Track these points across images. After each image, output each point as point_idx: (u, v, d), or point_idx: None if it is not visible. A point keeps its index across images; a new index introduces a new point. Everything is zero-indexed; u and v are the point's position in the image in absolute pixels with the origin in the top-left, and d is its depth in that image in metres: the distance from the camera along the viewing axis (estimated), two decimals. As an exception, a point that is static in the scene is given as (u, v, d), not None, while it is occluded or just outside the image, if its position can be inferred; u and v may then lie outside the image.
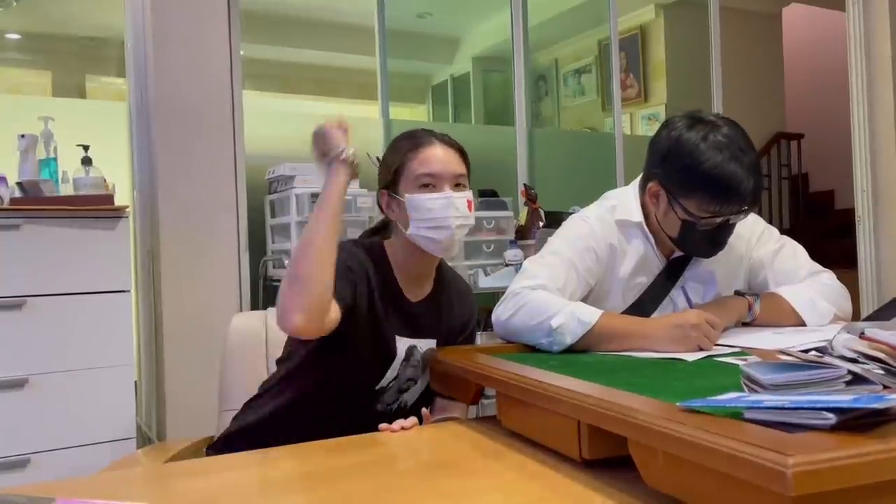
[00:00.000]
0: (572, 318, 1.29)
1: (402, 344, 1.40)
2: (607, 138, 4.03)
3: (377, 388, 1.40)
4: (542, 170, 3.73)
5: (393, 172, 1.38)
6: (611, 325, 1.30)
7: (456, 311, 1.49)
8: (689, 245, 1.45)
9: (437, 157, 1.35)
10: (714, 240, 1.41)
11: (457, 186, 1.36)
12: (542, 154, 3.77)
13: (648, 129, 5.24)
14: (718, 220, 1.37)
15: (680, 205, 1.38)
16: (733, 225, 1.41)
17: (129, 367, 2.27)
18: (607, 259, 1.47)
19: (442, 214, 1.33)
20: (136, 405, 2.39)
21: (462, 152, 1.41)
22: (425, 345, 1.43)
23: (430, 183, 1.34)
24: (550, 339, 1.30)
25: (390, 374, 1.39)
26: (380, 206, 1.44)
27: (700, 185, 1.34)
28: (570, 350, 1.30)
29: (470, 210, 1.36)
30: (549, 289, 1.37)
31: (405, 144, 1.39)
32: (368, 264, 1.38)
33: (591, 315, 1.29)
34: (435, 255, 1.40)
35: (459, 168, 1.38)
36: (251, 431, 1.41)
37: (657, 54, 5.27)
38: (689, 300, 1.49)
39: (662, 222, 1.45)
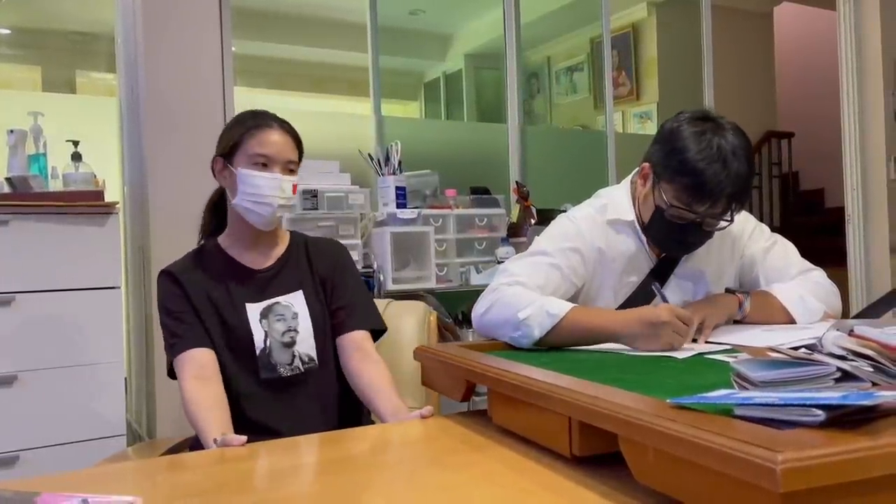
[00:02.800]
0: (541, 310, 1.27)
1: (256, 308, 1.51)
2: (599, 136, 4.04)
3: (259, 352, 1.48)
4: (535, 167, 3.73)
5: (231, 145, 1.49)
6: (579, 319, 1.28)
7: (320, 264, 1.59)
8: (655, 233, 1.45)
9: (274, 140, 1.48)
10: (681, 236, 1.41)
11: (288, 172, 1.49)
12: (535, 151, 3.77)
13: (640, 127, 5.25)
14: (687, 216, 1.36)
15: (659, 188, 1.39)
16: (709, 232, 1.41)
17: (119, 363, 2.26)
18: (594, 262, 1.47)
19: (269, 192, 1.46)
20: (127, 402, 2.38)
21: (298, 141, 1.53)
22: (291, 299, 1.53)
23: (263, 162, 1.47)
24: (520, 332, 1.28)
25: (259, 334, 1.49)
26: (213, 171, 1.54)
27: (680, 172, 1.34)
28: (564, 348, 1.29)
29: (294, 193, 1.51)
30: (528, 286, 1.36)
31: (248, 122, 1.50)
32: (188, 273, 1.52)
33: (560, 308, 1.28)
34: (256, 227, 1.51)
35: (293, 155, 1.51)
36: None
37: (649, 52, 5.27)
38: (681, 298, 1.49)
39: (642, 206, 1.45)
